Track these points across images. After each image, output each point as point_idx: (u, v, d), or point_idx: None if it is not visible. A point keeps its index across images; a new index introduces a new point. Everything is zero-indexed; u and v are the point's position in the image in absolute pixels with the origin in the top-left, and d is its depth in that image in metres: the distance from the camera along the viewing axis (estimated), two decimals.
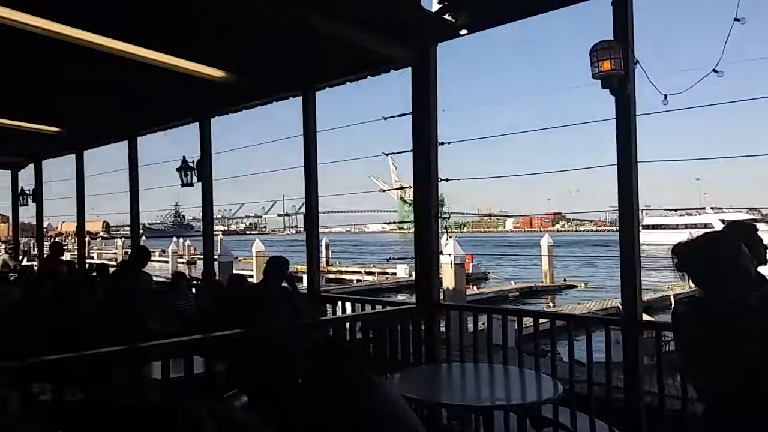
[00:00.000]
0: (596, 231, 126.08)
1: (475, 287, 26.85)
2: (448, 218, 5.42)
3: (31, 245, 23.97)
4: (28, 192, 11.92)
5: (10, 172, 12.53)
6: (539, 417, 4.19)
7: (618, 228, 4.26)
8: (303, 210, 6.21)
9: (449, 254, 13.83)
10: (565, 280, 32.43)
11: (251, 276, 24.86)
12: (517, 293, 27.83)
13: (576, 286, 31.57)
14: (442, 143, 5.32)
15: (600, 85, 4.03)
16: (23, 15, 4.18)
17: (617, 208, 4.21)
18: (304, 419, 2.37)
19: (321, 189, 6.41)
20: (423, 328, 5.35)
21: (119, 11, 4.56)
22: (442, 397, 4.14)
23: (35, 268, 10.09)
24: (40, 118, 7.78)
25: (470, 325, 5.64)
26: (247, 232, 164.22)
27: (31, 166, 11.93)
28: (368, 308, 6.07)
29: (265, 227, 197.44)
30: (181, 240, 51.63)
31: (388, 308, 5.95)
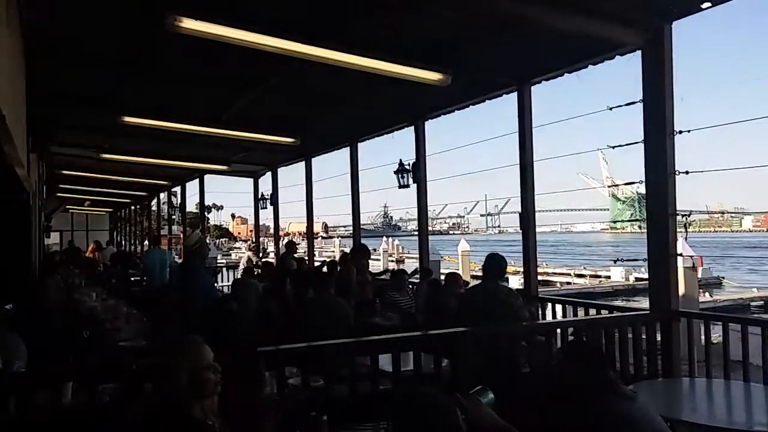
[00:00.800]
0: None
1: (707, 294, 23.73)
2: (689, 215, 4.80)
3: (266, 244, 26.98)
4: (266, 197, 13.54)
5: (252, 179, 14.38)
6: None
7: None
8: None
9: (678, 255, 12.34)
10: None
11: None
12: (761, 302, 23.99)
13: None
14: (680, 132, 4.75)
15: None
16: (269, 39, 4.69)
17: None
18: (549, 420, 2.26)
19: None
20: (659, 337, 4.86)
21: (350, 27, 4.92)
22: (684, 415, 3.67)
23: (273, 263, 11.38)
24: (280, 130, 8.74)
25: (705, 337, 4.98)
26: (450, 232, 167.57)
27: (269, 173, 13.55)
28: (592, 312, 5.68)
29: (467, 227, 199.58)
30: (390, 239, 54.32)
31: (616, 314, 5.49)
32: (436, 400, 1.81)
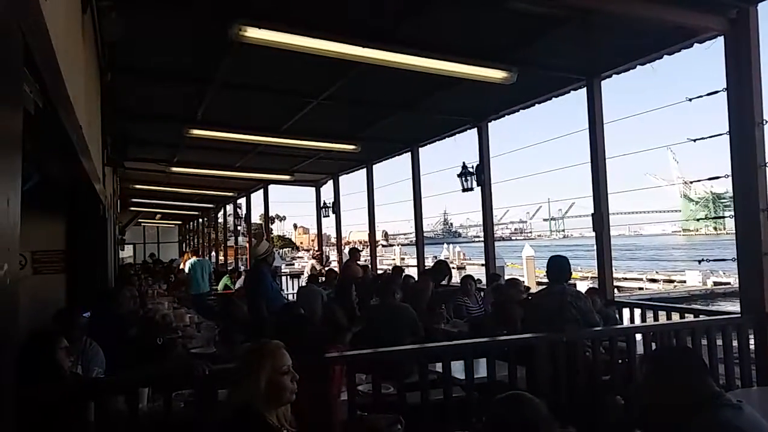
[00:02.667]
0: None
1: None
2: None
3: (328, 252, 27.24)
4: (328, 205, 13.64)
5: (314, 188, 14.53)
6: None
7: None
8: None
9: None
10: None
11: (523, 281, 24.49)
12: None
13: None
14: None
15: None
16: (331, 44, 4.68)
17: None
18: None
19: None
20: (753, 344, 4.50)
21: (410, 27, 4.84)
22: None
23: (336, 271, 11.41)
24: (341, 138, 8.78)
25: None
26: (512, 238, 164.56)
27: (330, 182, 13.65)
28: (675, 317, 5.35)
29: (530, 232, 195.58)
30: (451, 246, 53.89)
31: (702, 318, 5.14)
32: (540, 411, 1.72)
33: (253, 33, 4.37)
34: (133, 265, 19.27)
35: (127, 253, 24.53)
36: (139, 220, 24.63)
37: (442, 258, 44.06)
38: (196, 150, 9.89)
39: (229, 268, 16.90)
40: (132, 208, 19.65)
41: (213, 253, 23.89)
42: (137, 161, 10.73)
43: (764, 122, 4.38)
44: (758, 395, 4.12)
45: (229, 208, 21.11)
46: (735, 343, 4.58)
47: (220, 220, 22.67)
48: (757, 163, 4.38)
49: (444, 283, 7.80)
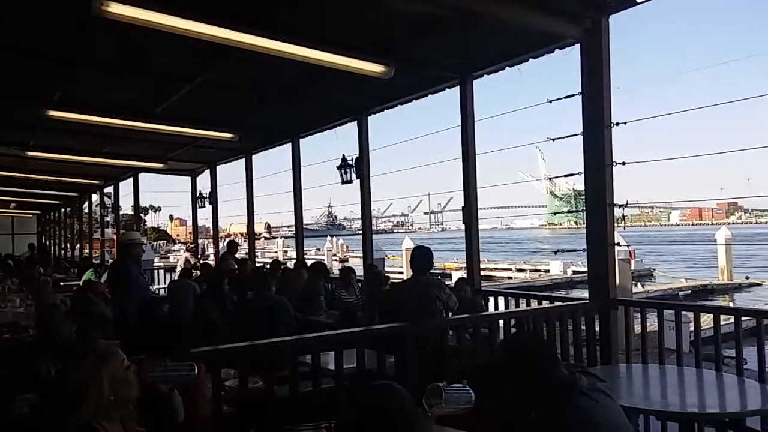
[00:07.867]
0: None
1: (639, 285, 24.73)
2: (626, 206, 4.93)
3: (206, 245, 26.24)
4: (205, 195, 13.12)
5: (189, 177, 13.90)
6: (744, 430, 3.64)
7: None
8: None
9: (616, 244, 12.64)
10: (747, 278, 28.78)
11: (401, 273, 25.36)
12: (689, 291, 25.17)
13: (760, 284, 27.88)
14: (617, 123, 4.86)
15: None
16: (204, 26, 4.48)
17: None
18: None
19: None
20: (598, 326, 4.96)
21: (290, 16, 4.77)
22: (622, 400, 3.73)
23: (213, 264, 11.02)
24: (218, 125, 8.47)
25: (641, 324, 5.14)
26: (394, 231, 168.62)
27: (207, 171, 13.13)
28: (534, 304, 5.76)
29: (411, 225, 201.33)
30: (334, 239, 53.92)
31: (557, 304, 5.57)
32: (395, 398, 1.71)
33: (118, 9, 4.05)
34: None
35: None
36: None
37: (325, 249, 44.13)
38: (57, 133, 9.07)
39: (95, 262, 15.73)
40: None
41: (78, 246, 22.14)
42: None
43: (612, 124, 4.83)
44: (600, 373, 4.54)
45: (96, 197, 19.60)
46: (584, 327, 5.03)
47: (86, 210, 21.03)
48: (605, 162, 4.80)
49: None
